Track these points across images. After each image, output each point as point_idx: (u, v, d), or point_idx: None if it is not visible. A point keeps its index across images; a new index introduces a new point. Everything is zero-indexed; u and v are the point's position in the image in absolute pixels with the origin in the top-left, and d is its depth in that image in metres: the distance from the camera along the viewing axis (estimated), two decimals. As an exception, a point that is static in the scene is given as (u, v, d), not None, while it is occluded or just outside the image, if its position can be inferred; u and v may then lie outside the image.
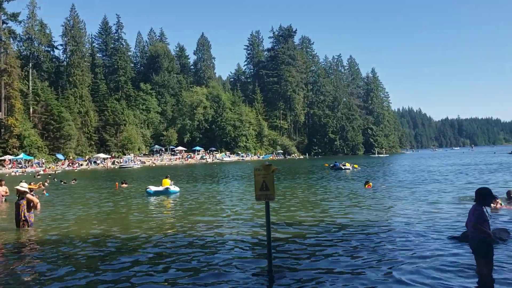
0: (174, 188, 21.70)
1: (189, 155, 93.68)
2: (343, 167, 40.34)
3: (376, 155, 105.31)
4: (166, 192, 21.24)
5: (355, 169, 40.08)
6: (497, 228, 9.32)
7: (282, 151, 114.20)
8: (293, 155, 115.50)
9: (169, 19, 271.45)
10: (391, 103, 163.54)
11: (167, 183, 21.84)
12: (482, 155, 79.15)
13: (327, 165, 46.77)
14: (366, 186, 21.21)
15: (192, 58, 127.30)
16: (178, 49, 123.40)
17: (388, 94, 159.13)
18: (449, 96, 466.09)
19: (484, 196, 6.20)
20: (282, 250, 8.52)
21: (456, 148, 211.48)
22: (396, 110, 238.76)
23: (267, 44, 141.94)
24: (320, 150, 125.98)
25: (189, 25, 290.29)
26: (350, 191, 20.02)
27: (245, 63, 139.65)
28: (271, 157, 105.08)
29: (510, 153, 77.74)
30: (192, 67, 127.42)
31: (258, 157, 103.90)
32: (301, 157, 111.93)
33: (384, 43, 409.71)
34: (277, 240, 9.27)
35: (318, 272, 6.96)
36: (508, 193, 14.79)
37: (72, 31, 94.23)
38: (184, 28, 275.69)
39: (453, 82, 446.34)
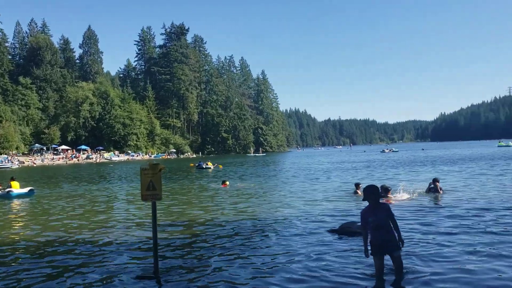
0: (23, 190, 20.36)
1: (74, 155, 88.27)
2: (204, 167, 42.12)
3: (252, 154, 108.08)
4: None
5: (219, 169, 41.61)
6: (352, 221, 9.89)
7: (175, 150, 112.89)
8: (187, 154, 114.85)
9: (52, 9, 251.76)
10: (279, 104, 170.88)
11: (16, 185, 20.41)
12: (356, 153, 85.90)
13: (192, 164, 47.71)
14: (223, 185, 21.89)
15: (77, 52, 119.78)
16: (62, 41, 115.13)
17: (276, 96, 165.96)
18: (331, 98, 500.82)
19: (370, 194, 6.19)
20: (169, 249, 8.57)
21: (338, 147, 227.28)
22: (284, 111, 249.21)
23: (159, 41, 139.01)
24: (213, 149, 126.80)
25: (74, 17, 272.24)
26: (212, 190, 20.56)
27: (136, 59, 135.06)
28: (164, 156, 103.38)
29: (382, 151, 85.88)
30: (77, 61, 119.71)
31: (150, 156, 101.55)
32: (194, 156, 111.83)
33: (273, 47, 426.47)
34: (164, 239, 9.25)
35: (204, 270, 7.06)
36: (381, 187, 15.60)
37: None
38: (69, 19, 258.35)
39: (335, 85, 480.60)
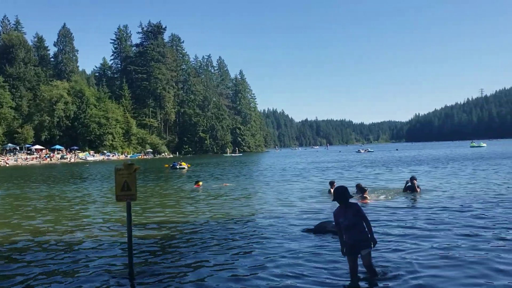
0: None
1: (48, 155, 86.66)
2: (178, 167, 42.17)
3: (229, 154, 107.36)
4: None
5: (193, 169, 41.57)
6: (327, 221, 10.05)
7: (151, 150, 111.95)
8: (163, 154, 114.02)
9: (26, 6, 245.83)
10: (257, 104, 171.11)
11: None
12: (332, 153, 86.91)
13: (167, 165, 47.85)
14: (196, 185, 21.68)
15: (52, 50, 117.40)
16: (36, 39, 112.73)
17: (254, 96, 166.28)
18: (309, 98, 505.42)
19: (340, 195, 6.21)
20: (144, 251, 8.51)
21: (315, 147, 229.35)
22: (262, 111, 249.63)
23: (135, 39, 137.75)
24: (190, 149, 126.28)
25: (49, 14, 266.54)
26: (186, 191, 20.45)
27: (112, 57, 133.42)
28: (140, 156, 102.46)
29: (357, 152, 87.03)
30: (52, 59, 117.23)
31: (126, 156, 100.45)
32: (171, 156, 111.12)
33: (251, 47, 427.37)
34: (138, 241, 9.19)
35: (179, 272, 7.01)
36: (357, 186, 15.73)
37: None
38: (43, 17, 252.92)
39: (312, 85, 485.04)
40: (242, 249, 8.44)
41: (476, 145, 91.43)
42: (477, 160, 38.80)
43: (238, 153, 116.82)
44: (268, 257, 7.74)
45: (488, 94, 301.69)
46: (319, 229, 9.51)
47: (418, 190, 16.12)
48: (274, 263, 7.32)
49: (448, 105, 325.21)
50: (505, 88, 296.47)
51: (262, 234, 9.84)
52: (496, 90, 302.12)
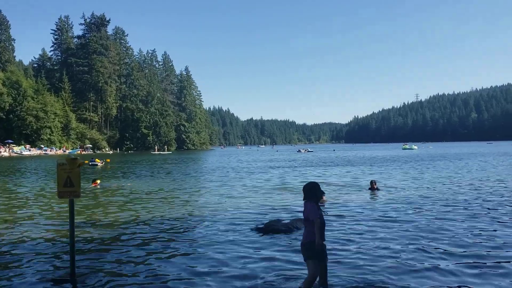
0: None
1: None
2: (90, 164, 42.46)
3: (157, 152, 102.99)
4: None
5: (107, 164, 41.78)
6: (276, 219, 10.21)
7: (91, 146, 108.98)
8: (104, 149, 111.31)
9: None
10: (203, 101, 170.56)
11: None
12: (272, 153, 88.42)
13: (86, 161, 47.79)
14: (93, 184, 20.78)
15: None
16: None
17: (200, 93, 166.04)
18: (254, 98, 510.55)
19: (313, 191, 5.59)
20: (84, 250, 8.13)
21: (261, 146, 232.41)
22: (208, 108, 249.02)
23: (77, 31, 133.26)
24: (132, 145, 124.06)
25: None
26: (89, 188, 19.64)
27: (52, 48, 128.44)
28: (79, 151, 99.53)
29: (298, 151, 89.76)
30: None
31: (64, 151, 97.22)
32: (111, 152, 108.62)
33: (197, 45, 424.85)
34: (80, 241, 8.74)
35: (123, 274, 6.73)
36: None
37: None
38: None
39: (258, 85, 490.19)
40: (187, 250, 8.11)
41: (408, 147, 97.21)
42: (413, 161, 41.80)
43: (167, 151, 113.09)
44: (216, 256, 7.51)
45: (423, 99, 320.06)
46: (269, 228, 9.38)
47: (375, 189, 16.81)
48: (223, 262, 7.16)
49: (385, 109, 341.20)
50: (438, 94, 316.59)
51: (207, 233, 9.50)
52: (430, 96, 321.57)
